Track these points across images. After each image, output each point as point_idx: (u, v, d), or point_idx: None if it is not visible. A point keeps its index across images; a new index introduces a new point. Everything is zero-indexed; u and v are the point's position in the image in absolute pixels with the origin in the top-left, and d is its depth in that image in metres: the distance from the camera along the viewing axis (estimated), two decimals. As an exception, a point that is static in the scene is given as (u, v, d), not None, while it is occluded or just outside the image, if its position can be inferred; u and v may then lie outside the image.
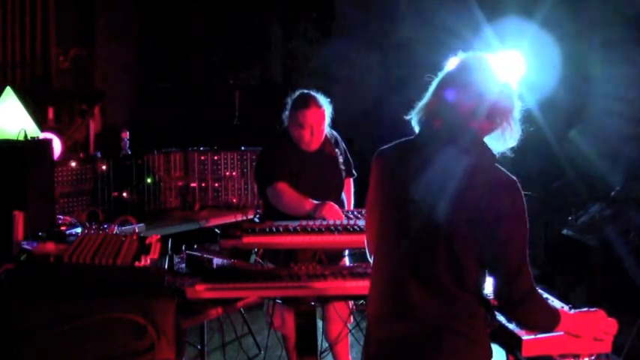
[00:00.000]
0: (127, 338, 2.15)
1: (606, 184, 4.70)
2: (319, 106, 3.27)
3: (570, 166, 5.21)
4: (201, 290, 2.54)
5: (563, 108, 5.15)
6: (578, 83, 5.20)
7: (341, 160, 3.46)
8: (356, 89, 6.05)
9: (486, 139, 1.96)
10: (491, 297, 2.07)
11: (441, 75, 2.01)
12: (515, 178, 1.89)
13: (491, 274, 1.94)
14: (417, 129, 2.03)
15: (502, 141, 1.96)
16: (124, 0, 6.50)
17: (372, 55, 6.23)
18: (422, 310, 1.91)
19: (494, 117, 1.92)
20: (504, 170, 1.92)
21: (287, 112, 3.35)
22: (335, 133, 3.52)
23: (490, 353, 1.98)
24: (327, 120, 3.32)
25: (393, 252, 1.97)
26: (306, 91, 3.36)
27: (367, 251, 2.21)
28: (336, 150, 3.46)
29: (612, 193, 4.59)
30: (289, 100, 3.36)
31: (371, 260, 2.18)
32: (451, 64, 2.01)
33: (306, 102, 3.26)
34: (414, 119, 2.04)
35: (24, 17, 5.55)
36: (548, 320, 1.97)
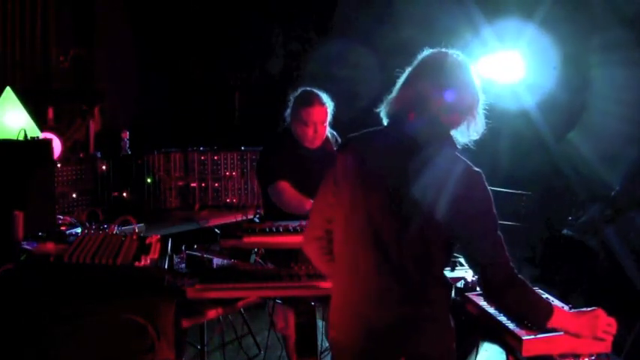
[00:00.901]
0: (126, 338, 2.15)
1: (606, 185, 4.71)
2: (322, 104, 3.29)
3: (570, 167, 5.21)
4: (201, 290, 2.54)
5: (563, 109, 5.16)
6: (577, 84, 5.21)
7: None
8: (355, 90, 6.05)
9: (452, 132, 2.01)
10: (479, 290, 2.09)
11: (410, 69, 2.04)
12: (479, 170, 1.94)
13: (470, 265, 1.98)
14: (385, 121, 2.07)
15: (466, 134, 2.02)
16: (123, 0, 6.51)
17: (371, 55, 6.23)
18: (395, 299, 1.95)
19: (463, 111, 1.98)
20: (467, 162, 1.95)
21: (289, 110, 3.36)
22: (335, 133, 3.53)
23: (453, 335, 2.04)
24: (330, 117, 3.34)
25: (363, 241, 1.99)
26: (308, 88, 3.37)
27: (307, 238, 2.20)
28: (336, 148, 3.46)
29: (612, 194, 4.59)
30: (291, 98, 3.37)
31: (307, 247, 2.20)
32: (420, 59, 2.04)
33: (310, 100, 3.28)
34: (383, 111, 2.07)
35: (24, 17, 5.55)
36: (536, 309, 2.00)
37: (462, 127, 2.00)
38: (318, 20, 6.47)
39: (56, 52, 5.75)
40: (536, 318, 2.02)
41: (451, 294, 2.09)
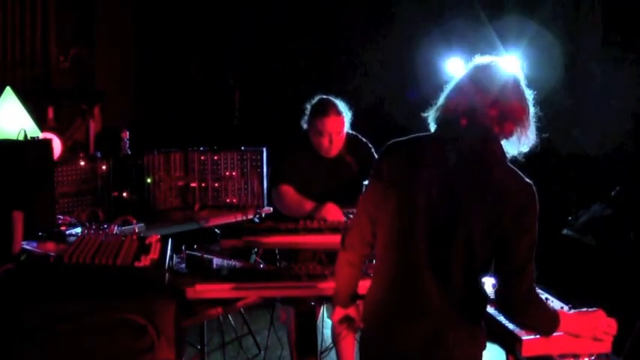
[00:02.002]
0: (127, 338, 2.15)
1: (606, 184, 4.70)
2: (339, 114, 3.25)
3: (570, 166, 5.21)
4: (201, 290, 2.54)
5: (563, 107, 5.15)
6: (578, 83, 5.20)
7: (355, 167, 3.39)
8: (357, 89, 6.05)
9: (503, 143, 1.99)
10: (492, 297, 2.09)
11: (460, 77, 2.03)
12: (530, 182, 1.92)
13: (494, 273, 1.96)
14: (433, 127, 2.05)
15: (517, 145, 2.00)
16: (124, 0, 6.51)
17: (372, 54, 6.23)
18: (434, 305, 1.94)
19: (514, 121, 1.96)
20: (521, 174, 1.94)
21: (306, 118, 3.35)
22: (357, 134, 3.47)
23: (485, 344, 2.03)
24: (347, 126, 3.31)
25: (408, 250, 1.98)
26: (325, 97, 3.34)
27: (345, 243, 2.20)
28: (350, 155, 3.40)
29: (612, 193, 4.59)
30: (308, 106, 3.35)
31: (346, 252, 2.20)
32: (469, 67, 2.03)
33: (326, 109, 3.24)
34: (431, 117, 2.05)
35: (24, 17, 5.55)
36: (546, 323, 1.99)
37: (513, 139, 1.99)
38: (318, 20, 6.46)
39: (56, 52, 5.75)
40: (544, 330, 2.03)
41: (487, 302, 2.08)
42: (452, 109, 2.00)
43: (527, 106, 1.99)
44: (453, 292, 1.94)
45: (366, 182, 3.43)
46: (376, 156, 3.41)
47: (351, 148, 3.41)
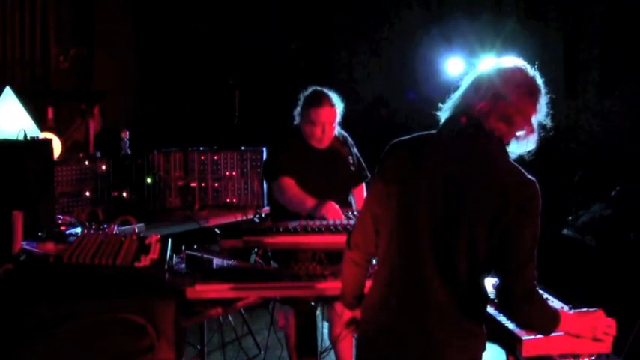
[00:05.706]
0: (127, 338, 2.15)
1: (606, 184, 4.70)
2: (332, 105, 3.28)
3: (570, 166, 5.21)
4: (201, 290, 2.54)
5: (563, 107, 5.16)
6: (578, 82, 5.21)
7: (350, 160, 3.45)
8: (355, 90, 6.05)
9: (507, 144, 1.99)
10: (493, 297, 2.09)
11: (471, 75, 2.04)
12: (533, 179, 1.90)
13: (495, 270, 1.96)
14: (441, 124, 2.06)
15: (521, 145, 2.00)
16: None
17: (371, 55, 6.23)
18: (436, 303, 1.93)
19: (502, 119, 1.95)
20: (523, 171, 1.93)
21: (299, 109, 3.37)
22: (345, 134, 3.52)
23: (484, 345, 2.03)
24: (339, 118, 3.34)
25: (410, 248, 1.97)
26: (319, 88, 3.36)
27: (350, 242, 2.20)
28: (345, 148, 3.45)
29: (612, 193, 4.59)
30: (301, 97, 3.37)
31: (351, 251, 2.19)
32: (483, 66, 2.03)
33: (320, 100, 3.27)
34: (442, 115, 2.06)
35: (24, 17, 5.56)
36: (546, 322, 1.98)
37: (516, 138, 1.98)
38: (318, 20, 6.47)
39: (56, 51, 5.76)
40: (544, 328, 2.02)
41: (487, 302, 2.08)
42: (452, 108, 2.02)
43: (527, 107, 1.96)
44: (455, 290, 1.93)
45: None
46: (360, 158, 3.49)
47: (342, 140, 3.46)
